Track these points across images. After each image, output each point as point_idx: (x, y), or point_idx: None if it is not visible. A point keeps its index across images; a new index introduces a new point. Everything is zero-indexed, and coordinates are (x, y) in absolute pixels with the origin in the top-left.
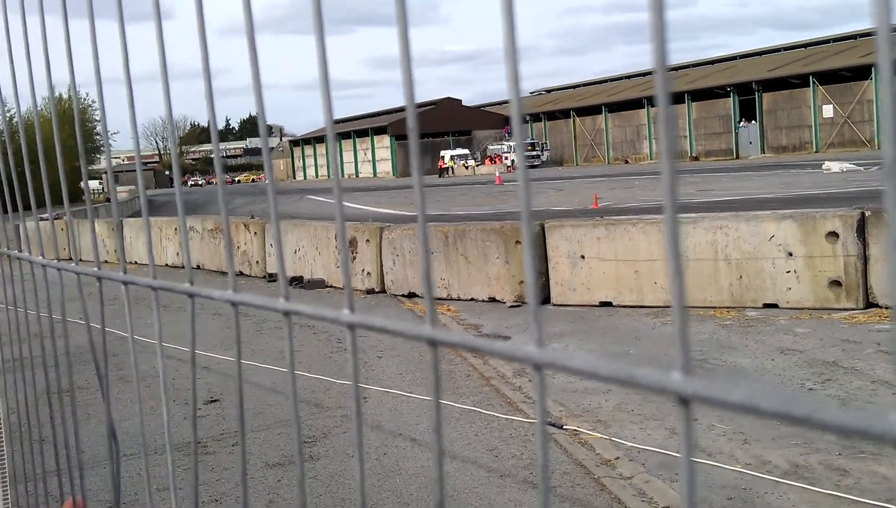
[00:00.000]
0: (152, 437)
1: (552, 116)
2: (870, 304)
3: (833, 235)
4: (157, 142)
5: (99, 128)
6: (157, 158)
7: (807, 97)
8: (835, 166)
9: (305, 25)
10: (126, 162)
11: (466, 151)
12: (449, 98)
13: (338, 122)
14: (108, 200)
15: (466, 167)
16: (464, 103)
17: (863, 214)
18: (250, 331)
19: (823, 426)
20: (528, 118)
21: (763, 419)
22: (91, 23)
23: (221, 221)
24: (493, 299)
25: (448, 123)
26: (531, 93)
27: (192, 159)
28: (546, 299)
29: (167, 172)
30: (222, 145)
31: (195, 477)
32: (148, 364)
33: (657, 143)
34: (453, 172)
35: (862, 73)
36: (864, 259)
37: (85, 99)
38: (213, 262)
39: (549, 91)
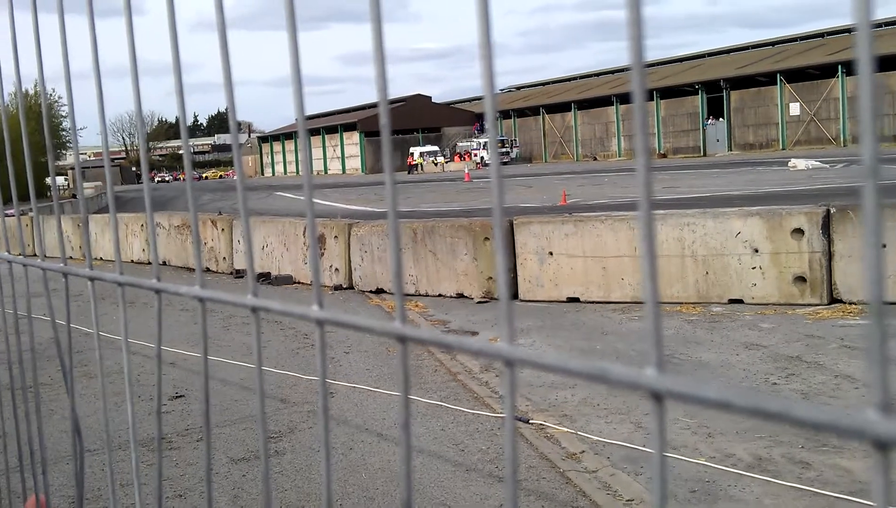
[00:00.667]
0: (116, 433)
1: (522, 113)
2: (834, 300)
3: (798, 231)
4: (123, 138)
5: (65, 124)
6: (123, 155)
7: (774, 95)
8: (801, 164)
9: (275, 22)
10: (92, 158)
11: (436, 148)
12: (419, 95)
13: (308, 118)
14: (74, 196)
15: (436, 164)
16: (433, 100)
17: (828, 211)
18: (217, 327)
19: (797, 423)
20: (497, 115)
21: (736, 416)
22: (60, 18)
23: (190, 217)
24: (460, 296)
25: (418, 120)
26: (501, 90)
27: (160, 156)
28: (514, 295)
29: (134, 169)
30: (190, 142)
31: (159, 473)
32: (112, 360)
33: (626, 140)
34: (422, 169)
35: (828, 71)
36: (829, 256)
37: (52, 95)
38: (180, 258)
39: (518, 88)
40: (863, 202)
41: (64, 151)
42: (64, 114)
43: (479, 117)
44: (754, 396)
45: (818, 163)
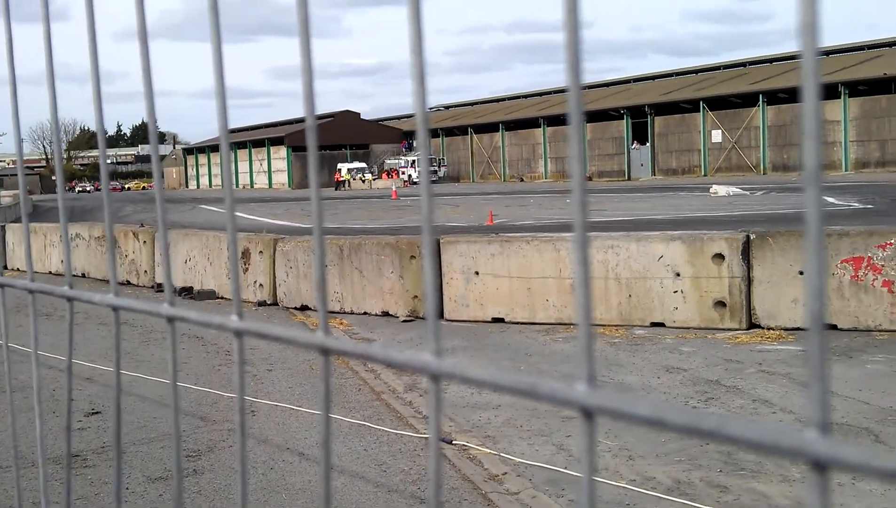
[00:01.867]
0: (30, 449)
1: (450, 132)
2: (752, 325)
3: (719, 256)
4: (44, 146)
5: None
6: (44, 163)
7: (697, 122)
8: (722, 190)
9: (204, 33)
10: (11, 166)
11: (363, 165)
12: (347, 111)
13: (234, 131)
14: None
15: (363, 181)
16: (362, 117)
17: (748, 237)
18: (135, 342)
19: (732, 441)
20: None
21: (669, 433)
22: None
23: (105, 224)
24: (386, 314)
25: (346, 136)
26: (430, 109)
27: (81, 165)
28: (440, 315)
29: (54, 177)
30: (112, 151)
31: (67, 491)
32: (27, 374)
33: (552, 162)
34: (350, 186)
35: (750, 100)
36: (748, 281)
37: None
38: (100, 271)
39: (447, 107)
40: (806, 218)
41: None
42: None
43: (408, 135)
44: (688, 413)
45: (738, 190)
